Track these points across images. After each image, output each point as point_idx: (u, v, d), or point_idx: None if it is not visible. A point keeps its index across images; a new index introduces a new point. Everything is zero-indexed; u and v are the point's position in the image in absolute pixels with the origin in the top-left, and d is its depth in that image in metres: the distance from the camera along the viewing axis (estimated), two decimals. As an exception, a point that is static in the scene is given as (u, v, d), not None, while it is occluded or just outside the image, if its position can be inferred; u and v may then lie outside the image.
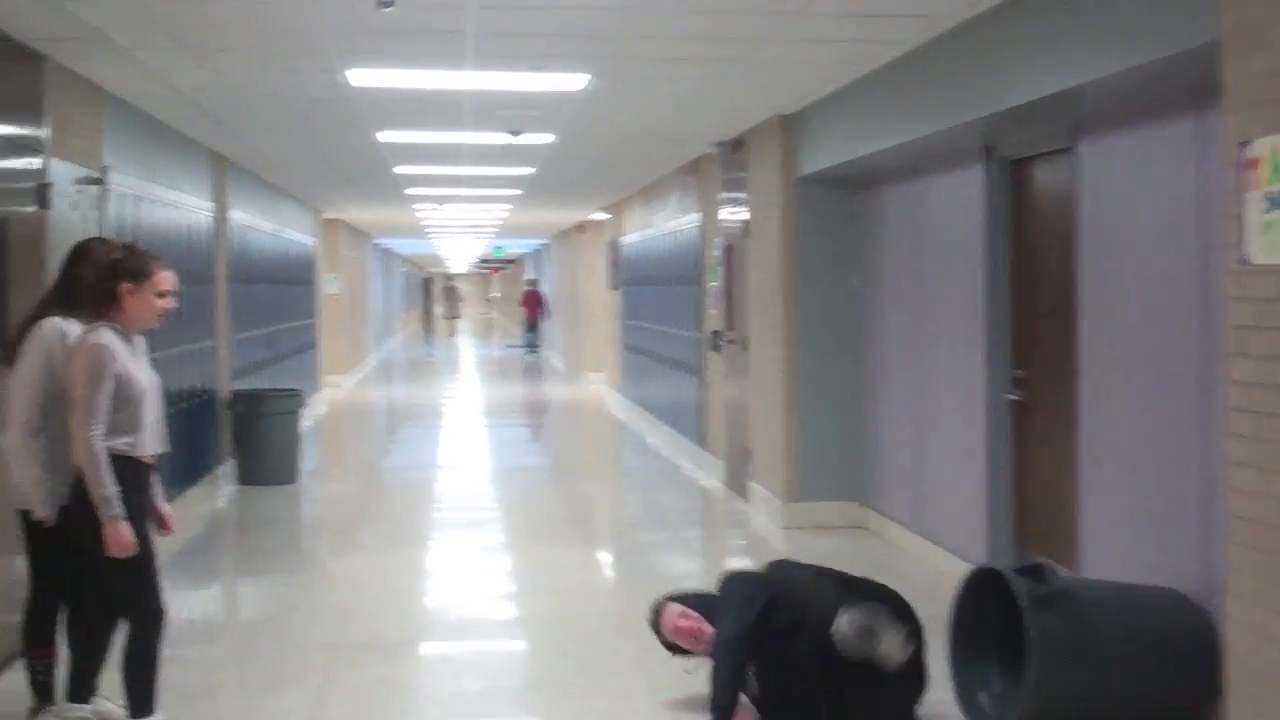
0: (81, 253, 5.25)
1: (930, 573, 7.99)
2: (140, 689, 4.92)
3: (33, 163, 6.67)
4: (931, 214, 8.28)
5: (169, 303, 4.96)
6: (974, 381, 7.52)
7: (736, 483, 11.03)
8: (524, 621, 7.38)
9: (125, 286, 4.83)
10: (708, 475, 12.16)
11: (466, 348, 39.65)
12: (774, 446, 9.85)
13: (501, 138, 10.77)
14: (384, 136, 10.92)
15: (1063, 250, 6.58)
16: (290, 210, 16.91)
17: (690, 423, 13.27)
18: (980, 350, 7.43)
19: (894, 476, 8.98)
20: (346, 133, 10.70)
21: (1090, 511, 6.27)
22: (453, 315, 53.27)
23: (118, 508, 4.71)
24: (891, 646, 5.05)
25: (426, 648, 6.79)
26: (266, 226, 14.58)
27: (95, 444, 4.69)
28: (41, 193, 6.71)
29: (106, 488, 4.70)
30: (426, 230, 27.32)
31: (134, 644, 4.92)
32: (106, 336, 4.77)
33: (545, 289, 33.95)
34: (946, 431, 8.06)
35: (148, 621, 4.91)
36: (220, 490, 11.32)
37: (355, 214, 22.23)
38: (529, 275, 40.06)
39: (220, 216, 11.76)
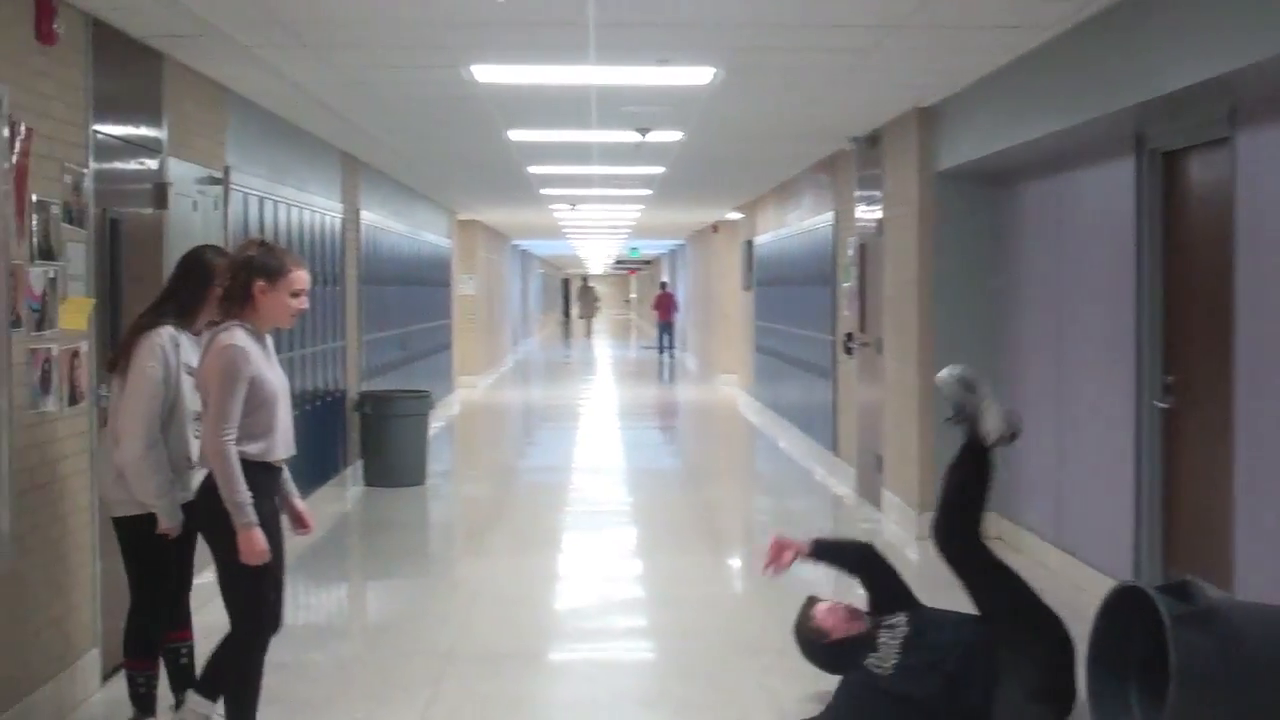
0: (193, 261, 5.15)
1: (1069, 588, 7.56)
2: (238, 705, 4.76)
3: (149, 163, 6.62)
4: (1077, 210, 7.86)
5: (303, 303, 4.78)
6: (1121, 387, 7.10)
7: (869, 490, 10.68)
8: (647, 633, 7.17)
9: (259, 285, 4.65)
10: (840, 482, 11.82)
11: (603, 349, 39.66)
12: (907, 453, 9.49)
13: (630, 136, 10.56)
14: (515, 135, 10.80)
15: (1219, 248, 6.15)
16: (425, 212, 16.94)
17: (822, 427, 12.94)
18: (1128, 354, 7.01)
19: (1033, 487, 8.57)
20: (477, 132, 10.59)
21: (1245, 528, 5.84)
22: (588, 316, 53.36)
23: (252, 514, 4.55)
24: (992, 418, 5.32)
25: (543, 659, 6.60)
26: (399, 227, 14.58)
27: (229, 449, 4.53)
28: (158, 193, 6.66)
29: (240, 494, 4.53)
30: (564, 232, 27.31)
31: (232, 652, 4.76)
32: (240, 337, 4.61)
33: (679, 290, 33.80)
34: (1090, 440, 7.64)
35: (256, 632, 4.75)
36: (347, 492, 11.30)
37: (491, 215, 22.26)
38: (663, 277, 39.97)
39: (351, 217, 11.74)
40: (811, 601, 5.74)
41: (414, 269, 15.76)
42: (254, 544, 4.55)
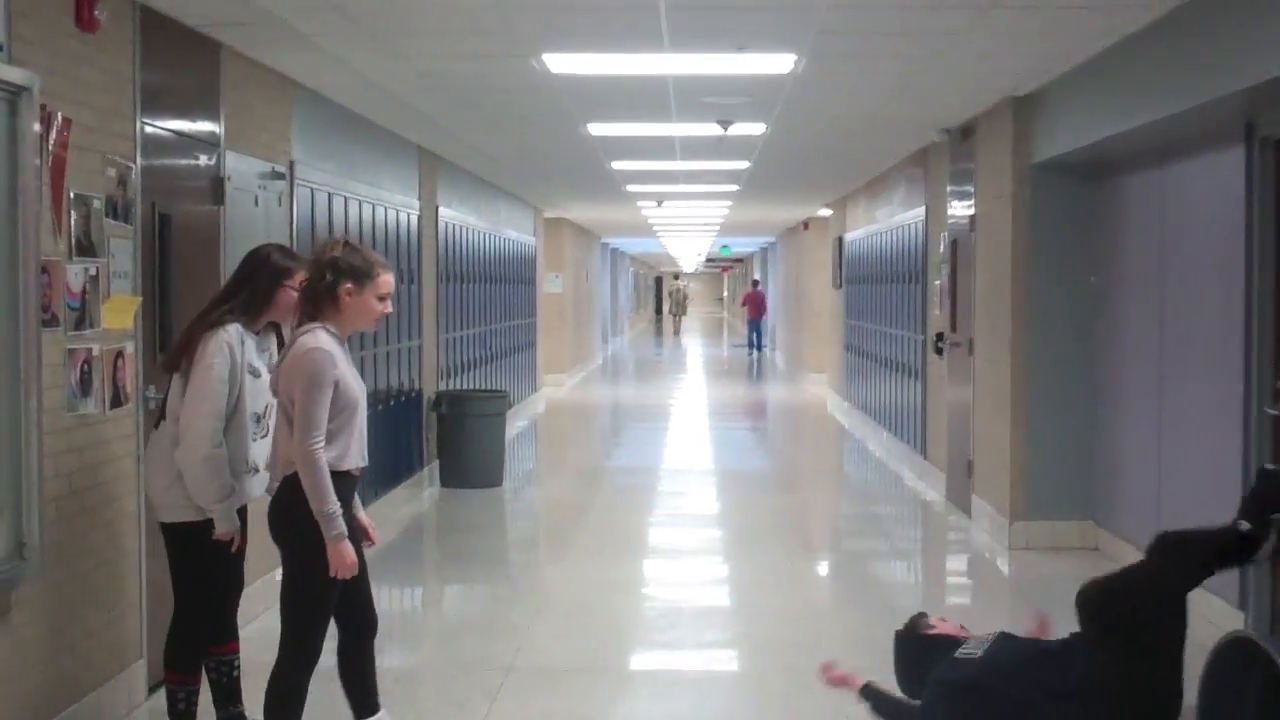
0: (259, 260, 4.93)
1: (1175, 606, 7.12)
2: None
3: (204, 157, 6.41)
4: (1182, 203, 7.40)
5: (388, 307, 4.58)
6: (1228, 392, 6.64)
7: (959, 496, 10.25)
8: (723, 644, 6.83)
9: (346, 287, 4.44)
10: (930, 487, 11.39)
11: (694, 347, 39.31)
12: (998, 459, 9.06)
13: (712, 129, 10.23)
14: (595, 129, 10.52)
15: (1338, 243, 5.70)
16: (508, 209, 16.73)
17: (912, 430, 12.51)
18: (1236, 356, 6.54)
19: (1132, 496, 8.11)
20: (554, 125, 10.32)
21: (1369, 547, 5.37)
22: (679, 314, 53.07)
23: (342, 525, 4.35)
24: None
25: (609, 674, 6.28)
26: (479, 224, 14.37)
27: (319, 457, 4.32)
28: (214, 188, 6.45)
29: (331, 504, 4.32)
30: (654, 229, 27.02)
31: (276, 677, 4.52)
32: (325, 341, 4.41)
33: (769, 288, 33.38)
34: (1194, 448, 7.18)
35: (308, 651, 4.50)
36: (423, 493, 11.08)
37: (578, 213, 22.02)
38: (754, 275, 39.56)
39: (428, 214, 11.53)
40: (922, 614, 5.41)
41: (495, 266, 15.54)
42: (344, 556, 4.36)
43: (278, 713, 4.48)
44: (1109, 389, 8.50)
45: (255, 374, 4.81)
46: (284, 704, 4.49)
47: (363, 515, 4.75)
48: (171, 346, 5.00)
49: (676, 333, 50.21)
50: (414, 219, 10.93)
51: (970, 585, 8.48)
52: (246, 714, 5.02)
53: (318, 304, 4.45)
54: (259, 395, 4.83)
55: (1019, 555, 8.63)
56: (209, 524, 4.75)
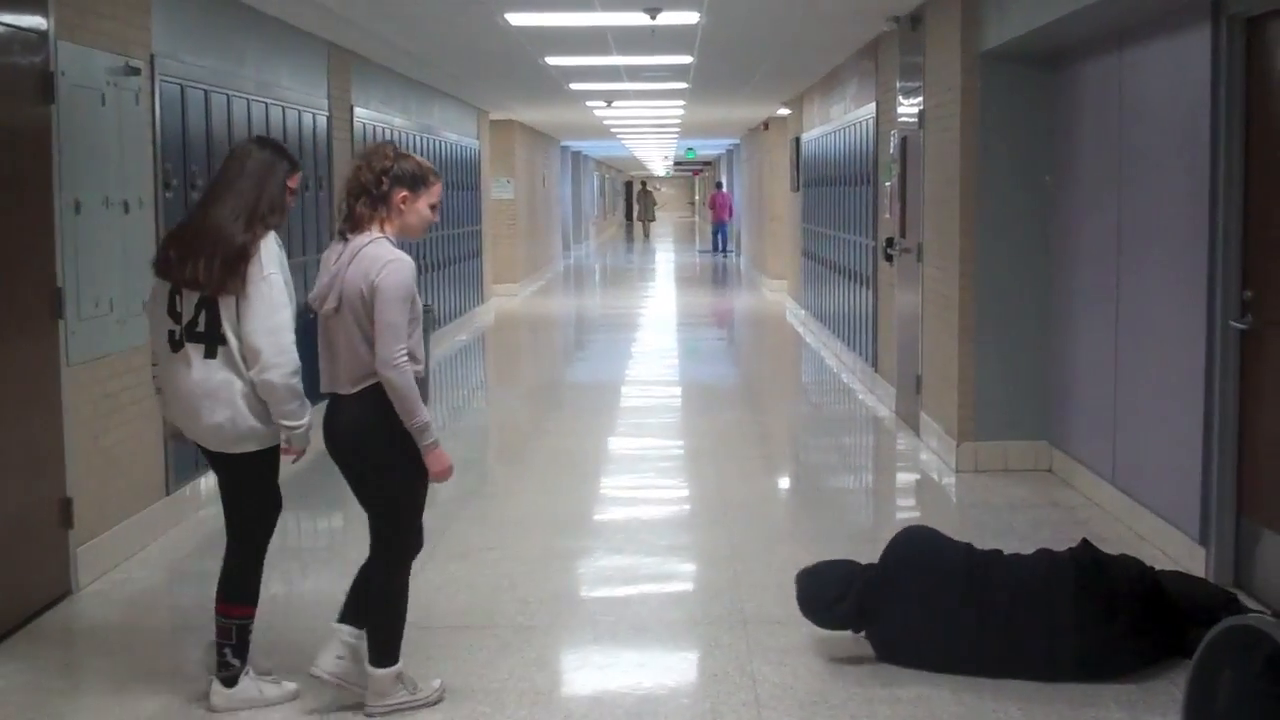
0: (273, 160, 4.55)
1: (1129, 537, 6.51)
2: (385, 632, 4.49)
3: (29, 50, 5.60)
4: (1143, 91, 6.67)
5: (437, 215, 4.55)
6: (1190, 303, 5.96)
7: (909, 413, 9.61)
8: (675, 552, 6.20)
9: (401, 194, 4.39)
10: (881, 402, 10.74)
11: (661, 252, 38.47)
12: (946, 375, 8.40)
13: (640, 18, 9.44)
14: (514, 19, 9.72)
15: (1312, 134, 5.00)
16: (444, 111, 15.87)
17: (864, 342, 11.83)
18: (1200, 264, 5.86)
19: (1087, 415, 7.47)
20: (469, 15, 9.51)
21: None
22: (648, 218, 52.23)
23: (434, 431, 4.34)
24: None
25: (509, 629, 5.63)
26: (408, 126, 13.52)
27: (407, 368, 4.26)
28: (43, 85, 5.66)
29: (422, 414, 4.30)
30: (612, 131, 26.10)
31: (383, 579, 4.49)
32: (397, 249, 4.37)
33: (735, 191, 32.60)
34: (1153, 364, 6.52)
35: (410, 553, 4.55)
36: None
37: (529, 115, 21.12)
38: (720, 178, 38.76)
39: (340, 115, 10.70)
40: None
41: (432, 172, 14.68)
42: (443, 460, 4.38)
43: (392, 614, 4.48)
44: (1064, 300, 7.82)
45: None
46: (398, 603, 4.49)
47: None
48: (209, 268, 4.39)
49: (646, 237, 49.50)
50: (322, 121, 10.11)
51: (916, 512, 7.84)
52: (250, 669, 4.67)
53: (377, 213, 4.38)
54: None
55: (967, 479, 8.00)
56: (272, 450, 4.55)
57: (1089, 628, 4.65)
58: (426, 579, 5.79)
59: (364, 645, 4.50)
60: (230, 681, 4.55)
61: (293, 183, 4.55)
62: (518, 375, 14.41)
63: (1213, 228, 5.76)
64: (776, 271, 21.34)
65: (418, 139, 13.98)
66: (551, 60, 12.52)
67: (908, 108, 9.68)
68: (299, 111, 9.48)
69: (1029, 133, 7.98)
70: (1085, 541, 4.99)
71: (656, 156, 42.08)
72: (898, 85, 10.03)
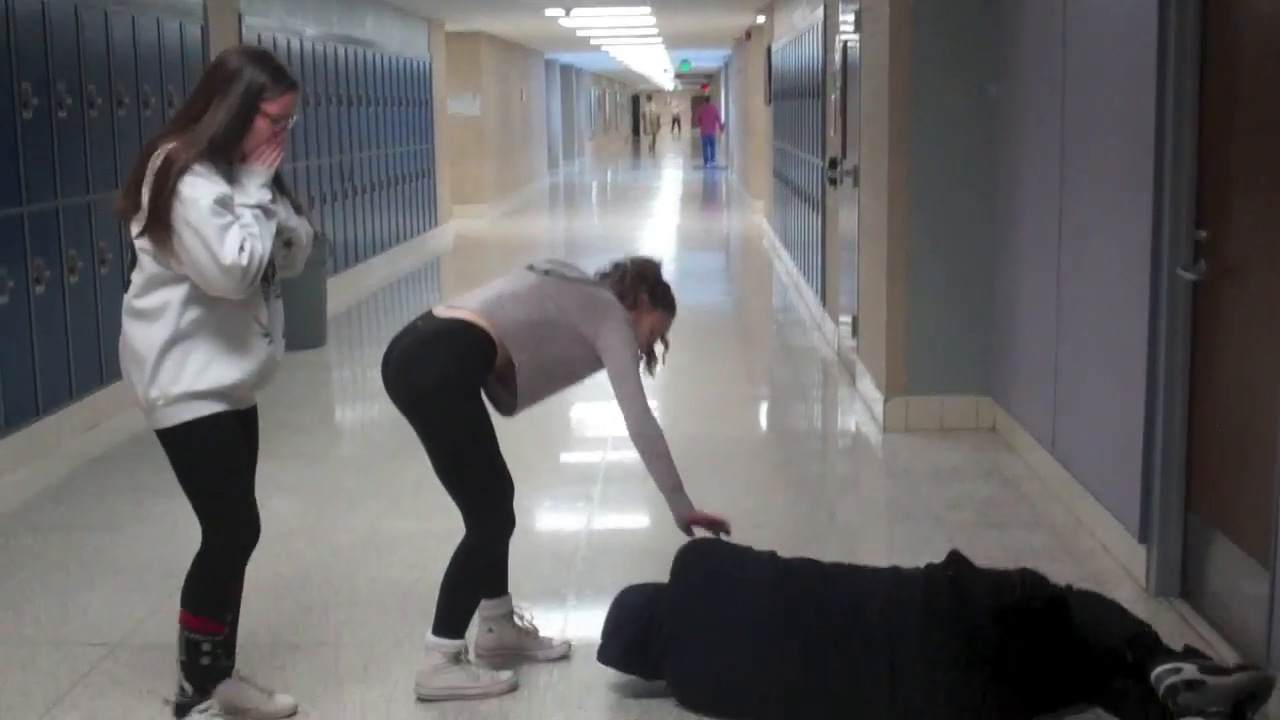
0: (227, 77, 3.53)
1: (1069, 524, 5.46)
2: (458, 605, 3.95)
3: None
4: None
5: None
6: (1134, 247, 4.83)
7: (848, 360, 8.52)
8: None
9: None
10: (829, 343, 9.65)
11: (656, 168, 37.19)
12: (875, 319, 7.30)
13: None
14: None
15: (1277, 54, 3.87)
16: (379, 21, 14.64)
17: (815, 274, 10.72)
18: (1145, 201, 4.72)
19: (1027, 371, 6.38)
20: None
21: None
22: (652, 132, 51.03)
23: None
24: None
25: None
26: (319, 36, 12.28)
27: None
28: None
29: None
30: (592, 42, 24.79)
31: (474, 552, 3.95)
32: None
33: (729, 104, 31.39)
34: (1094, 318, 5.41)
35: (498, 529, 3.98)
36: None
37: (496, 26, 19.85)
38: (721, 90, 37.52)
39: (221, 25, 9.53)
40: None
41: (360, 87, 13.52)
42: None
43: (476, 586, 3.99)
44: (1008, 235, 6.70)
45: (269, 214, 3.56)
46: (484, 578, 4.03)
47: None
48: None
49: (652, 150, 48.43)
50: (193, 32, 8.93)
51: (823, 484, 6.74)
52: (238, 670, 3.83)
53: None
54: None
55: (896, 440, 6.92)
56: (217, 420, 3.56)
57: (939, 673, 3.54)
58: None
59: (504, 609, 4.15)
60: (179, 710, 3.71)
61: (272, 108, 3.52)
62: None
63: (1159, 156, 4.61)
64: (757, 190, 20.15)
65: (340, 53, 12.79)
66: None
67: (847, 10, 8.49)
68: (158, 20, 8.30)
69: (968, 43, 6.80)
70: (954, 554, 3.87)
71: (655, 69, 40.63)
72: (844, -15, 8.84)
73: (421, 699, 3.90)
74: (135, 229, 3.46)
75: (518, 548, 5.05)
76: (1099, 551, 5.12)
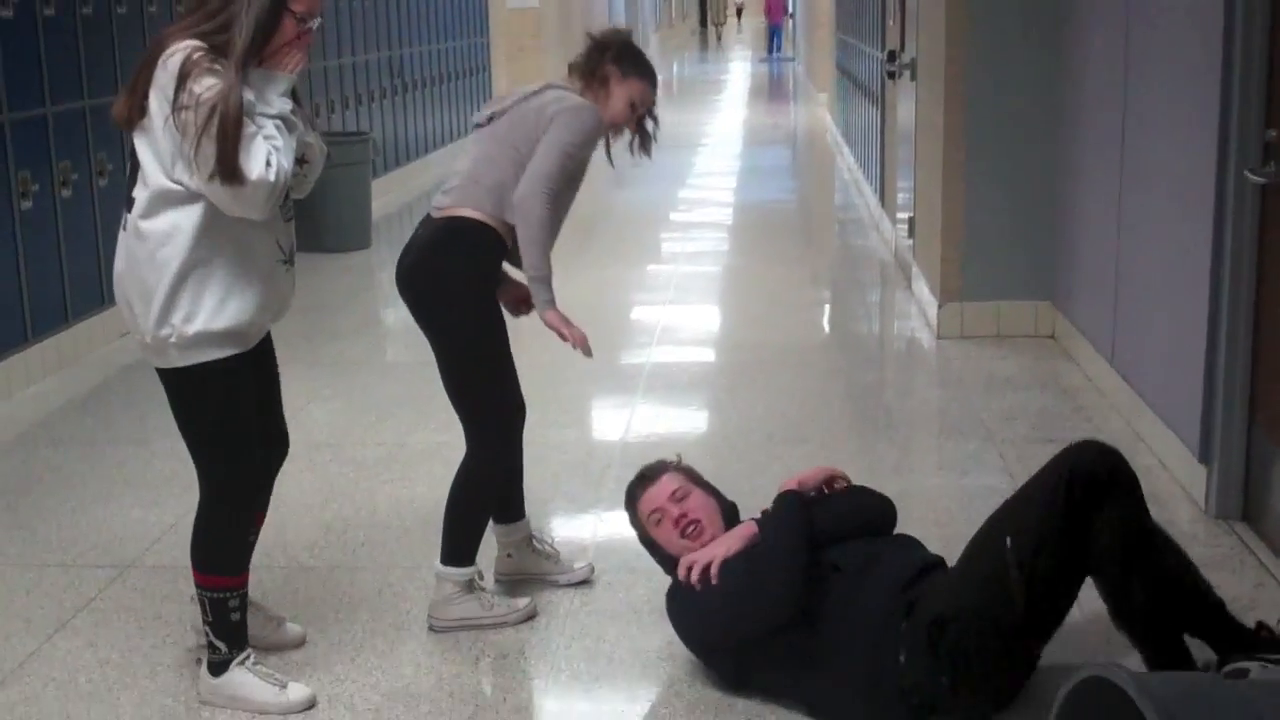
0: None
1: (1128, 438, 5.18)
2: (462, 531, 3.74)
3: None
4: None
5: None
6: (1200, 146, 4.50)
7: (904, 262, 8.22)
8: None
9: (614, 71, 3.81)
10: (886, 245, 9.33)
11: (727, 59, 36.50)
12: (931, 222, 6.99)
13: None
14: None
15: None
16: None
17: (874, 172, 10.36)
18: (1212, 98, 4.38)
19: (1086, 275, 6.07)
20: None
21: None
22: (717, 23, 50.10)
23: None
24: None
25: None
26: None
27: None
28: None
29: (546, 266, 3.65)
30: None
31: (474, 474, 3.74)
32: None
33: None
34: (1157, 222, 5.09)
35: (501, 450, 3.77)
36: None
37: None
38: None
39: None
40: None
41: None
42: (567, 322, 3.69)
43: (480, 511, 3.77)
44: (1068, 133, 6.34)
45: (291, 126, 3.19)
46: (487, 503, 3.79)
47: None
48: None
49: (719, 41, 47.55)
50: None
51: (878, 392, 6.49)
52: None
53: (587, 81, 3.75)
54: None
55: (950, 347, 6.65)
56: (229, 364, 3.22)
57: (911, 670, 3.10)
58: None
59: (521, 533, 3.96)
60: (215, 669, 3.39)
61: (299, 5, 3.15)
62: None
63: (1227, 50, 4.26)
64: (822, 83, 19.64)
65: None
66: None
67: (908, -109, 8.07)
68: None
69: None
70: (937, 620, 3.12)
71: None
72: None
73: (434, 630, 3.74)
74: (138, 137, 3.14)
75: (545, 462, 4.93)
76: (1157, 469, 4.85)
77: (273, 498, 3.52)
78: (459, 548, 3.74)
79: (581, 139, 3.63)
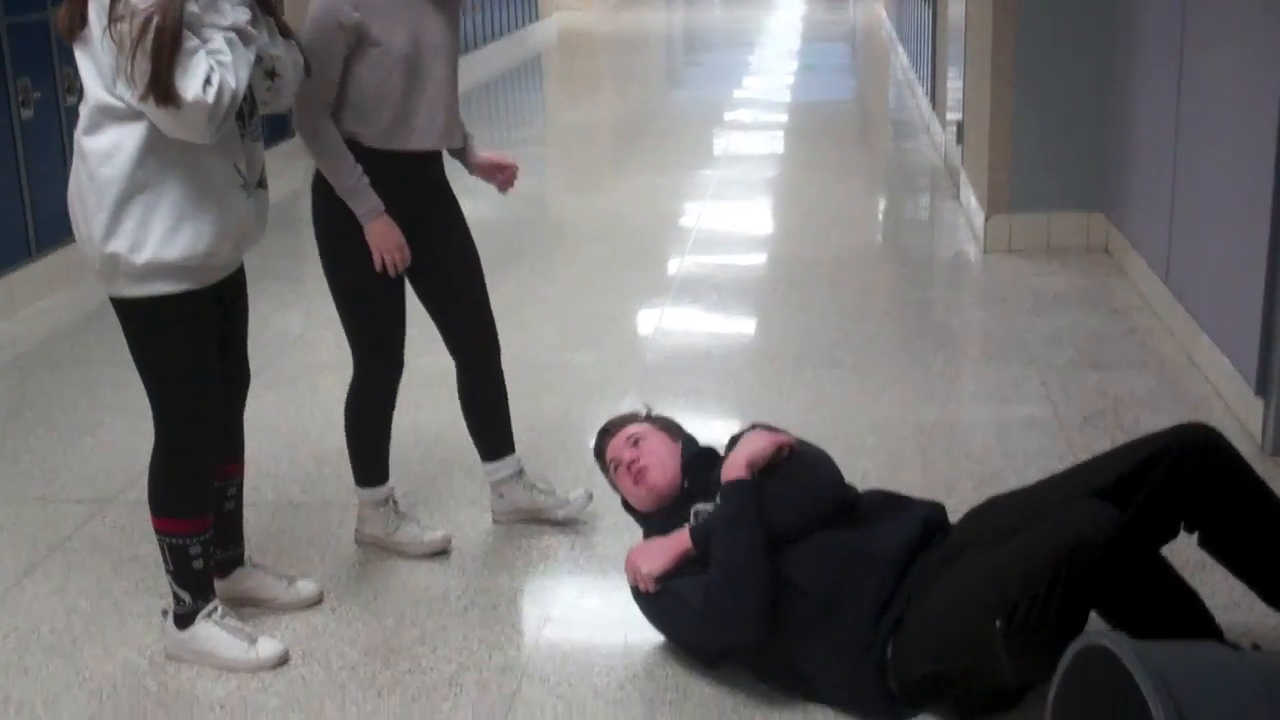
0: None
1: (1179, 358, 4.85)
2: (356, 451, 3.67)
3: None
4: None
5: None
6: (1263, 52, 4.12)
7: (953, 169, 7.84)
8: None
9: None
10: (936, 150, 8.93)
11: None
12: (979, 126, 6.61)
13: None
14: None
15: None
16: None
17: (926, 73, 9.93)
18: (1273, 14, 3.99)
19: (1141, 187, 5.68)
20: None
21: None
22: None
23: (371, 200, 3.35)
24: None
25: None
26: None
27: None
28: None
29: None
30: None
31: (354, 393, 3.63)
32: None
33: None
34: (1216, 137, 4.71)
35: (377, 372, 3.63)
36: (300, 162, 8.95)
37: None
38: None
39: None
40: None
41: None
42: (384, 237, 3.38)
43: (367, 431, 3.65)
44: (1124, 37, 5.92)
45: (247, 39, 2.89)
46: (370, 422, 3.64)
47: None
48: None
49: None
50: None
51: (931, 305, 6.13)
52: (250, 557, 3.47)
53: None
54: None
55: (996, 261, 6.31)
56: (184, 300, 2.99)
57: (901, 689, 2.84)
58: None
59: (509, 470, 3.78)
60: (181, 621, 3.17)
61: None
62: (574, 104, 12.68)
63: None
64: (880, -22, 19.05)
65: None
66: None
67: None
68: None
69: None
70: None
71: None
72: None
73: (356, 542, 3.72)
74: (78, 49, 2.87)
75: (562, 384, 4.70)
76: (1211, 399, 4.53)
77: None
78: (356, 467, 3.69)
79: (311, 31, 3.24)
